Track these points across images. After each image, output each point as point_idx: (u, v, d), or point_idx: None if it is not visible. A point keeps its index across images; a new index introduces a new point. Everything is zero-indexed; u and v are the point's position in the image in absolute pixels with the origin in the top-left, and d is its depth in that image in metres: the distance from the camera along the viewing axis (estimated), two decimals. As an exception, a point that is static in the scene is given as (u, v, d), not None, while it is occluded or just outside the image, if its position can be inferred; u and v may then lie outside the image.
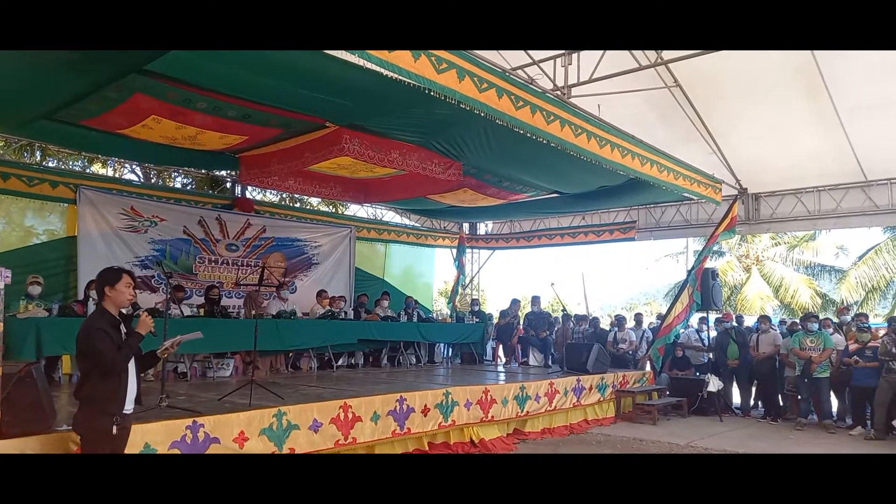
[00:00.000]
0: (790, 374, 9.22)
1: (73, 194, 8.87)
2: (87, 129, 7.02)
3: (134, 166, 11.79)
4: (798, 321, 10.00)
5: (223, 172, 11.34)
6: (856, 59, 7.91)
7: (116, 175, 11.54)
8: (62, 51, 4.77)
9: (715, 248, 15.09)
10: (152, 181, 11.50)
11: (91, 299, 7.05)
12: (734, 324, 10.55)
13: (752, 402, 10.10)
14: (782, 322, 11.43)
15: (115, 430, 3.38)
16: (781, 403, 9.59)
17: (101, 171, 11.36)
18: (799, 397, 9.12)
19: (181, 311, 8.08)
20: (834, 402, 9.11)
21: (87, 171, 10.81)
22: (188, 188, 11.86)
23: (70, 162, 11.07)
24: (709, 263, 11.56)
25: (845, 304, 16.10)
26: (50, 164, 10.60)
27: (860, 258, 19.78)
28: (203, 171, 11.32)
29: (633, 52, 8.13)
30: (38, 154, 10.71)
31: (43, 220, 8.82)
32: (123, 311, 3.68)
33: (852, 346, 8.58)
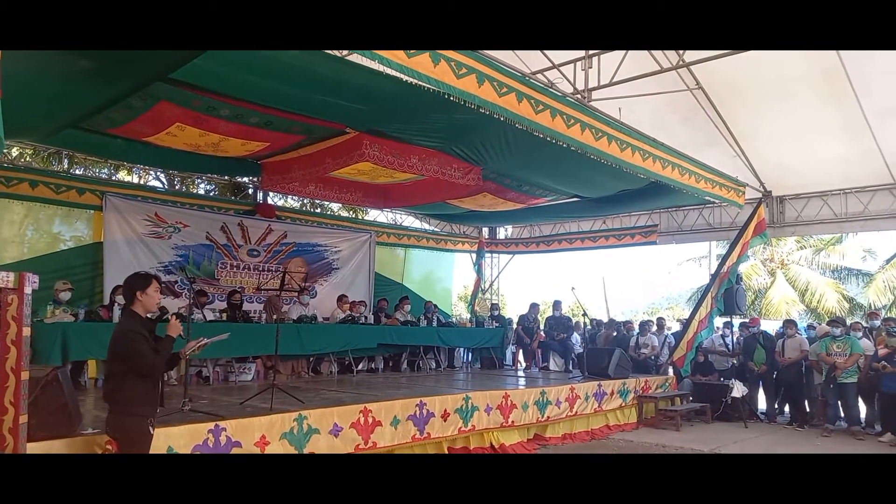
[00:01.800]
0: (819, 379, 9.05)
1: (100, 201, 9.03)
2: (113, 138, 7.14)
3: (158, 173, 12.00)
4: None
5: (245, 179, 11.48)
6: (883, 62, 7.76)
7: (141, 182, 11.76)
8: (86, 61, 4.86)
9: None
10: (176, 188, 11.67)
11: (116, 304, 7.15)
12: (760, 328, 10.39)
13: (777, 408, 9.93)
14: (810, 327, 11.22)
15: (152, 431, 3.45)
16: (808, 409, 9.42)
17: (127, 178, 11.56)
18: (827, 403, 8.95)
19: (204, 316, 8.19)
20: (863, 409, 8.92)
21: (113, 178, 11.00)
22: (211, 194, 12.03)
23: (96, 169, 11.28)
24: (733, 267, 11.37)
25: (874, 308, 15.77)
26: (77, 172, 10.82)
27: (888, 261, 19.38)
28: (226, 177, 11.48)
29: (655, 54, 8.04)
30: (65, 162, 10.93)
31: (70, 227, 8.99)
32: (149, 315, 3.74)
33: (881, 351, 8.39)
